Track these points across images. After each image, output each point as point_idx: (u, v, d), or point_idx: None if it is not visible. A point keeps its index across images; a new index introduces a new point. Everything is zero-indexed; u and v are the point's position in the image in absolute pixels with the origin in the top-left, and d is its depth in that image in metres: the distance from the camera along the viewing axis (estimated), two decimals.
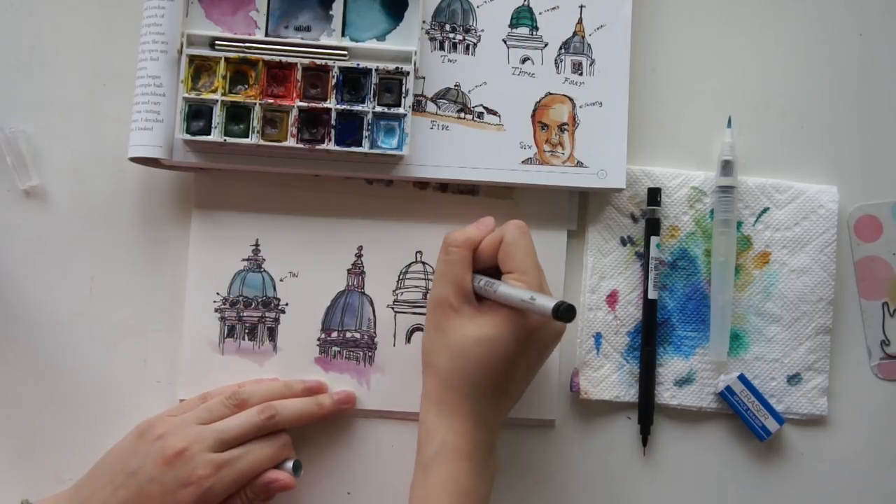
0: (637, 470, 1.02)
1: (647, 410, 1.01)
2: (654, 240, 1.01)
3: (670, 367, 1.02)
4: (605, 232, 1.02)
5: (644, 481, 1.02)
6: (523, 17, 1.00)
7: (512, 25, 1.00)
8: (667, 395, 1.02)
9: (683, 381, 1.02)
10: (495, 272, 0.92)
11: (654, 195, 1.02)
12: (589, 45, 1.00)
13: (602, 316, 1.02)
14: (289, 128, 0.95)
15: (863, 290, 1.04)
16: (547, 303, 0.83)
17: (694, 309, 1.02)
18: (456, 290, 0.90)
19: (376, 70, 0.96)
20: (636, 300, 1.02)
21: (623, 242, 1.02)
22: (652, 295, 1.01)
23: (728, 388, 1.01)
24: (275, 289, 1.00)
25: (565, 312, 0.81)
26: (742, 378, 1.01)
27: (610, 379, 1.01)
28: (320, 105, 0.95)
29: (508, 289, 0.87)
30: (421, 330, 1.01)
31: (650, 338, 1.01)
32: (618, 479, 1.02)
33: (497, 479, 0.99)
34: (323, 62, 0.96)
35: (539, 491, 1.01)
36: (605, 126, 1.00)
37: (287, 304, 1.00)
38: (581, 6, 1.01)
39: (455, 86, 0.99)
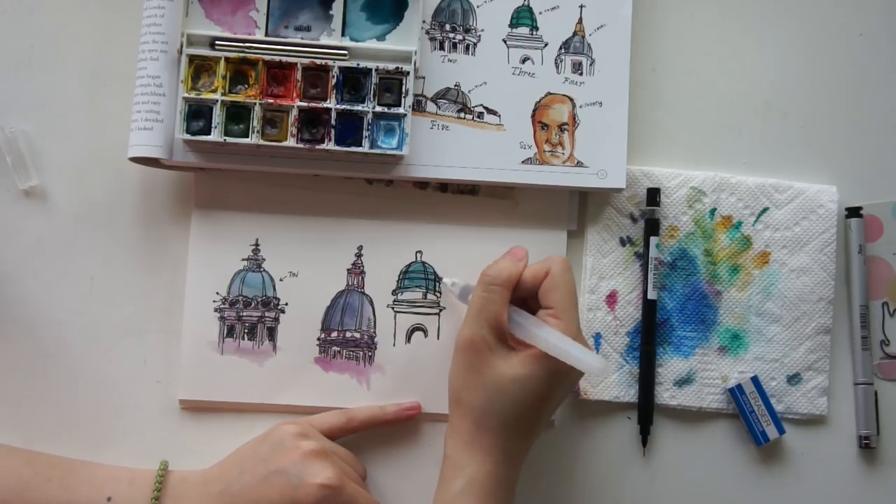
0: (637, 470, 1.02)
1: (646, 410, 1.01)
2: (653, 240, 1.01)
3: (670, 367, 1.02)
4: (604, 232, 1.03)
5: (644, 481, 1.02)
6: (523, 16, 1.01)
7: (512, 25, 1.00)
8: (666, 395, 1.02)
9: (683, 382, 1.02)
10: (526, 302, 0.93)
11: (654, 195, 1.02)
12: (589, 44, 1.00)
13: (601, 316, 1.02)
14: (289, 128, 0.95)
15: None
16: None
17: (693, 309, 1.02)
18: (493, 330, 0.89)
19: (376, 70, 0.96)
20: (636, 300, 1.02)
21: (622, 243, 1.03)
22: (651, 295, 1.01)
23: (738, 387, 1.01)
24: (274, 288, 1.00)
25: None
26: (755, 380, 1.01)
27: (610, 379, 1.01)
28: (320, 105, 0.95)
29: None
30: (421, 330, 1.01)
31: (650, 338, 1.01)
32: (617, 479, 1.02)
33: None
34: (323, 62, 0.96)
35: (539, 490, 1.01)
36: (605, 126, 1.00)
37: (287, 304, 1.00)
38: (581, 6, 1.01)
39: (455, 86, 0.99)
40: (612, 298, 1.02)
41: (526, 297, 0.93)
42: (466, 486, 0.87)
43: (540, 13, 1.01)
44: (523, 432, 0.90)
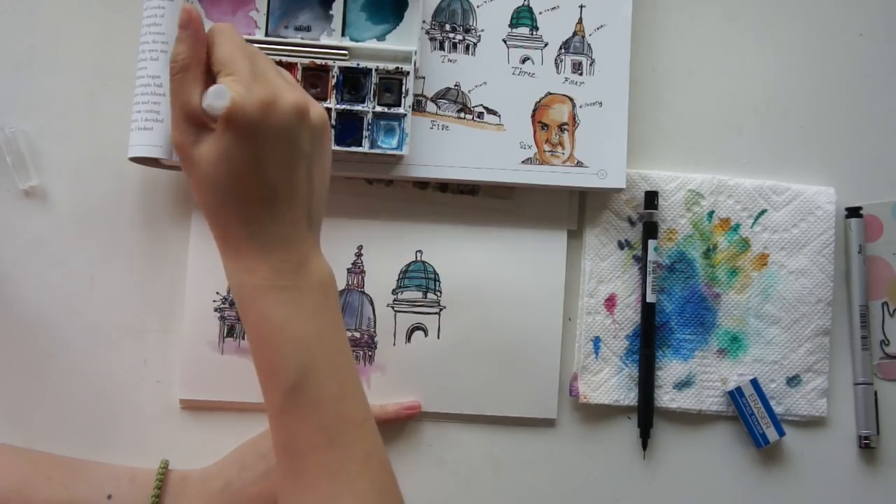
0: (637, 473, 1.02)
1: (646, 414, 1.01)
2: (651, 243, 1.01)
3: (669, 370, 1.02)
4: (602, 236, 1.03)
5: (644, 484, 1.02)
6: (523, 16, 1.00)
7: (512, 25, 1.00)
8: (666, 398, 1.02)
9: (683, 384, 1.02)
10: None
11: (652, 198, 1.02)
12: (589, 45, 1.00)
13: (601, 320, 1.02)
14: None
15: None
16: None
17: (692, 312, 1.02)
18: (188, 120, 0.76)
19: (376, 70, 0.96)
20: (634, 304, 1.02)
21: (621, 246, 1.03)
22: (650, 298, 1.01)
23: (738, 389, 1.01)
24: None
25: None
26: (754, 382, 1.01)
27: (609, 383, 1.02)
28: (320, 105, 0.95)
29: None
30: (421, 329, 1.01)
31: (649, 341, 1.01)
32: (618, 482, 1.02)
33: (497, 478, 1.00)
34: (323, 62, 0.96)
35: (539, 491, 1.01)
36: (605, 126, 1.00)
37: None
38: (581, 6, 1.01)
39: (455, 86, 0.99)
40: (610, 302, 1.02)
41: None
42: (241, 294, 0.77)
43: (540, 13, 1.00)
44: (273, 207, 0.76)
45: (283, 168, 0.77)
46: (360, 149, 0.95)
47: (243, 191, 0.75)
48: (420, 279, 1.01)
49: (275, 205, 0.77)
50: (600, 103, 1.00)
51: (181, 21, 0.77)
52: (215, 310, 1.00)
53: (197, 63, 0.77)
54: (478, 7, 1.00)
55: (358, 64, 0.96)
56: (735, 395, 1.01)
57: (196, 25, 0.77)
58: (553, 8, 1.01)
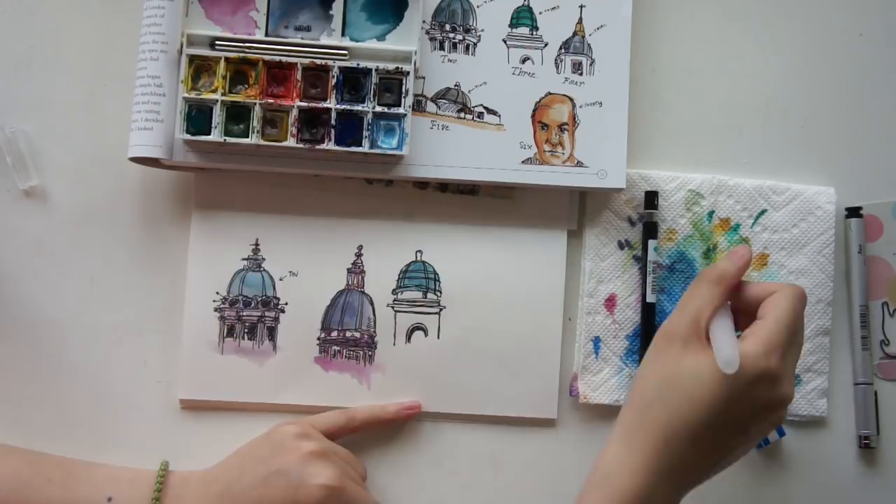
0: None
1: None
2: (651, 243, 1.01)
3: None
4: (602, 235, 1.02)
5: None
6: (523, 16, 1.00)
7: (512, 25, 1.00)
8: None
9: None
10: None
11: (651, 199, 1.01)
12: (589, 45, 1.00)
13: (601, 320, 1.02)
14: (289, 128, 0.95)
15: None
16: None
17: None
18: (690, 324, 0.82)
19: (376, 70, 0.96)
20: (634, 304, 1.02)
21: (621, 246, 1.02)
22: (650, 298, 1.01)
23: None
24: (274, 288, 1.00)
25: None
26: None
27: (609, 383, 1.01)
28: (320, 105, 0.95)
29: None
30: (421, 329, 1.01)
31: (649, 341, 1.00)
32: None
33: (497, 478, 1.01)
34: (323, 62, 0.96)
35: (539, 491, 1.01)
36: (605, 126, 1.00)
37: (287, 304, 1.00)
38: (581, 6, 1.01)
39: (455, 86, 0.99)
40: (611, 302, 1.02)
41: (749, 312, 0.86)
42: (601, 482, 0.81)
43: (540, 13, 1.00)
44: (696, 448, 0.80)
45: (733, 430, 0.82)
46: (360, 149, 0.95)
47: (684, 417, 0.79)
48: (420, 279, 1.01)
49: (700, 452, 0.81)
50: (600, 103, 1.00)
51: (739, 251, 0.87)
52: (215, 310, 1.00)
53: (723, 284, 0.85)
54: (478, 7, 1.00)
55: (358, 64, 0.96)
56: None
57: (746, 258, 0.87)
58: (553, 8, 1.01)
